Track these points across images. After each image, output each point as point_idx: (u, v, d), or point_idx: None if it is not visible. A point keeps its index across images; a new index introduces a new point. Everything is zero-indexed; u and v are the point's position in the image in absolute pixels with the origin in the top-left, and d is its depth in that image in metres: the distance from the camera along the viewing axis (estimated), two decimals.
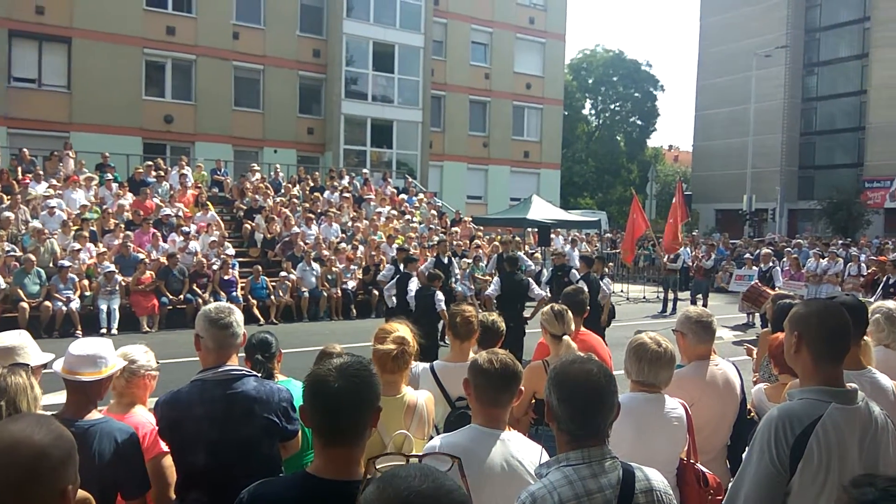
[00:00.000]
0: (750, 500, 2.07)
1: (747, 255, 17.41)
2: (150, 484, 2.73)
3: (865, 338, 3.05)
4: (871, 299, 10.57)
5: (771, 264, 14.59)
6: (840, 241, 23.73)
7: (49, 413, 2.66)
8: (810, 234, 32.98)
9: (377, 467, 1.80)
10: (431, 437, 2.99)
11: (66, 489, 1.58)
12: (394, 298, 10.34)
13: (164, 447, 2.85)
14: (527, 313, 9.26)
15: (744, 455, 2.18)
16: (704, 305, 15.80)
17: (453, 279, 14.50)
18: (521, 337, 8.60)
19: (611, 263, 20.24)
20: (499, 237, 19.83)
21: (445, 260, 12.99)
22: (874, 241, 26.96)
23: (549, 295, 9.70)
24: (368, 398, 1.88)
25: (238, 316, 2.82)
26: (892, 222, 38.94)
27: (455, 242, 18.41)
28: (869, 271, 16.31)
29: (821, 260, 17.50)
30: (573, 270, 11.27)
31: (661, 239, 18.61)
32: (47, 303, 12.45)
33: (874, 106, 40.56)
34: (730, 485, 2.23)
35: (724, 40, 46.64)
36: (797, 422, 2.09)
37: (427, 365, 3.71)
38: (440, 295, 9.21)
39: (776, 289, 13.39)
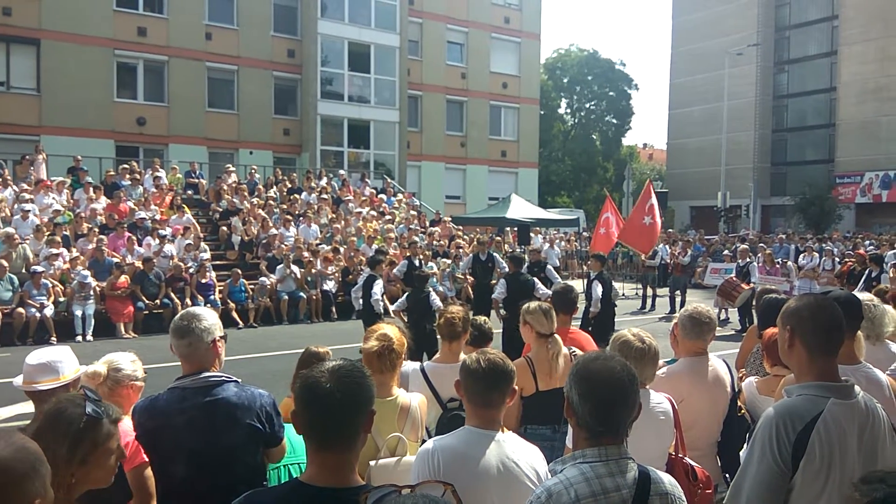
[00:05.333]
0: (752, 499, 2.05)
1: (726, 252, 17.59)
2: (132, 494, 2.63)
3: (857, 332, 3.05)
4: (854, 292, 10.78)
5: (748, 259, 14.85)
6: (817, 237, 24.11)
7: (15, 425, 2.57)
8: (783, 229, 33.45)
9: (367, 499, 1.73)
10: (424, 441, 2.95)
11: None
12: (360, 301, 10.21)
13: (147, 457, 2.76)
14: None
15: (742, 453, 2.16)
16: (683, 302, 15.93)
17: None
18: None
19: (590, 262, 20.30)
20: (478, 236, 19.79)
21: (417, 262, 12.92)
22: (846, 234, 27.46)
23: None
24: (361, 400, 1.83)
25: (206, 322, 2.66)
26: (862, 217, 39.70)
27: (435, 243, 18.36)
28: (846, 262, 16.55)
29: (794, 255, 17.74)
30: (549, 267, 11.61)
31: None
32: (20, 309, 12.18)
33: (843, 103, 41.28)
34: (731, 483, 2.21)
35: (697, 39, 47.17)
36: (798, 419, 2.07)
37: (418, 365, 3.68)
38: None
39: (751, 283, 13.58)
